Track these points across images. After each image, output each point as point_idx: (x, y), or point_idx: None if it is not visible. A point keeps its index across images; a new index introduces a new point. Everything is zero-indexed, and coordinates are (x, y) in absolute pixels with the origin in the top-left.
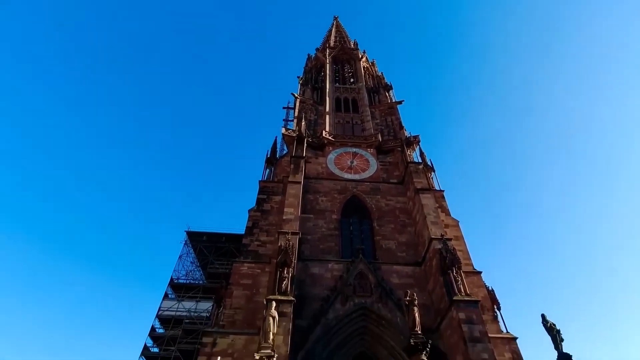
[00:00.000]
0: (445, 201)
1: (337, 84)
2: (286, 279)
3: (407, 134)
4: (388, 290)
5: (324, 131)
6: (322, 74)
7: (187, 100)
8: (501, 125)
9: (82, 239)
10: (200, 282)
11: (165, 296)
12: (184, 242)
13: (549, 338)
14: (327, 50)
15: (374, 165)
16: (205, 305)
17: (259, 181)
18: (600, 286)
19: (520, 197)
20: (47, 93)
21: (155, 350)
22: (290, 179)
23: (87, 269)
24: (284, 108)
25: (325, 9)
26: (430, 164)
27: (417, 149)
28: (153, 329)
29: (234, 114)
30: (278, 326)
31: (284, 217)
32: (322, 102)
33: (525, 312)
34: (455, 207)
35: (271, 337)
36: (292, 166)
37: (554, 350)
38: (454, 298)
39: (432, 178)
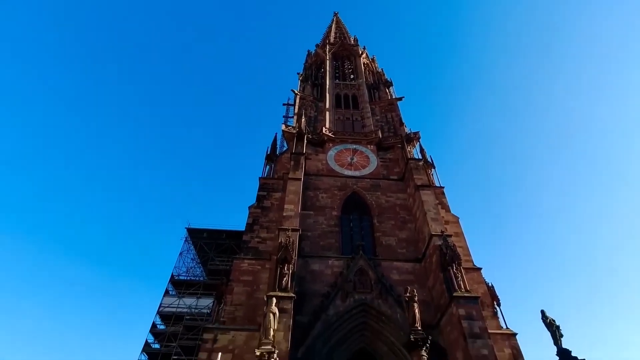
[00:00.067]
0: (445, 198)
1: (337, 80)
2: (286, 276)
3: (407, 130)
4: (388, 287)
5: (324, 128)
6: (322, 70)
7: (187, 98)
8: (501, 121)
9: (82, 236)
10: (201, 278)
11: (166, 293)
12: (184, 238)
13: (548, 334)
14: (327, 47)
15: (374, 162)
16: (206, 302)
17: (259, 178)
18: (599, 282)
19: (521, 193)
20: (48, 91)
21: (157, 346)
22: (290, 176)
23: (88, 266)
24: (284, 105)
25: (325, 5)
26: (430, 161)
27: (417, 146)
28: (154, 325)
29: (234, 111)
30: (278, 322)
31: (284, 214)
32: (322, 99)
33: (525, 308)
34: (456, 203)
35: (272, 333)
36: (292, 163)
37: (554, 346)
38: (454, 294)
39: (432, 174)
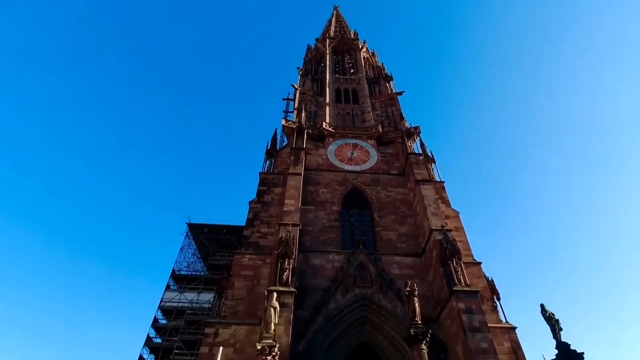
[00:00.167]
0: (445, 192)
1: (337, 74)
2: (287, 270)
3: (407, 125)
4: (388, 281)
5: (324, 122)
6: (322, 64)
7: (187, 93)
8: (502, 116)
9: (84, 232)
10: (202, 273)
11: (167, 288)
12: (185, 234)
13: (547, 327)
14: (327, 41)
15: (374, 157)
16: (207, 297)
17: (259, 173)
18: (598, 276)
19: (521, 188)
20: (51, 90)
21: (158, 340)
22: (290, 171)
23: (89, 261)
24: (283, 99)
25: None
26: (430, 155)
27: (417, 140)
28: (156, 320)
29: (234, 106)
30: (279, 317)
31: (285, 209)
32: (322, 93)
33: (525, 302)
34: (456, 198)
35: (272, 327)
36: (292, 158)
37: (553, 339)
38: (454, 288)
39: (432, 169)
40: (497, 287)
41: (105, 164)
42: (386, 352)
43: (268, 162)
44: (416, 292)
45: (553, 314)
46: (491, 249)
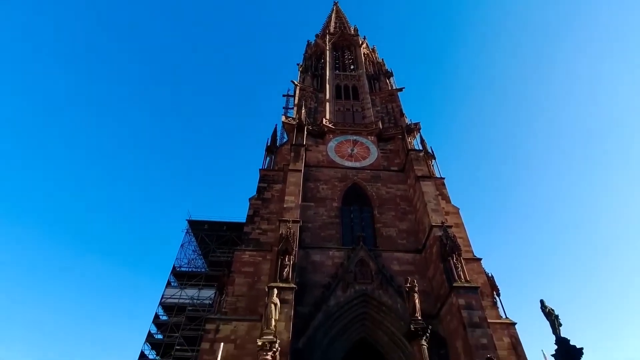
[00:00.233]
0: (445, 188)
1: (337, 71)
2: (287, 267)
3: (407, 121)
4: (388, 277)
5: (324, 119)
6: (322, 61)
7: (188, 90)
8: (502, 112)
9: (85, 229)
10: (203, 270)
11: (168, 284)
12: (185, 230)
13: (547, 323)
14: (327, 37)
15: (374, 153)
16: (208, 293)
17: (260, 169)
18: (598, 272)
19: (521, 184)
20: (52, 89)
21: (159, 337)
22: (290, 167)
23: (90, 258)
24: (283, 96)
25: None
26: (430, 152)
27: (417, 137)
28: (157, 316)
29: (234, 103)
30: (280, 313)
31: (285, 205)
32: (322, 90)
33: (524, 298)
34: (456, 194)
35: (273, 323)
36: (292, 154)
37: (552, 335)
38: (454, 284)
39: (432, 165)
40: (497, 283)
41: (106, 160)
42: (386, 348)
43: (268, 158)
44: (416, 288)
45: (553, 310)
46: (491, 245)
